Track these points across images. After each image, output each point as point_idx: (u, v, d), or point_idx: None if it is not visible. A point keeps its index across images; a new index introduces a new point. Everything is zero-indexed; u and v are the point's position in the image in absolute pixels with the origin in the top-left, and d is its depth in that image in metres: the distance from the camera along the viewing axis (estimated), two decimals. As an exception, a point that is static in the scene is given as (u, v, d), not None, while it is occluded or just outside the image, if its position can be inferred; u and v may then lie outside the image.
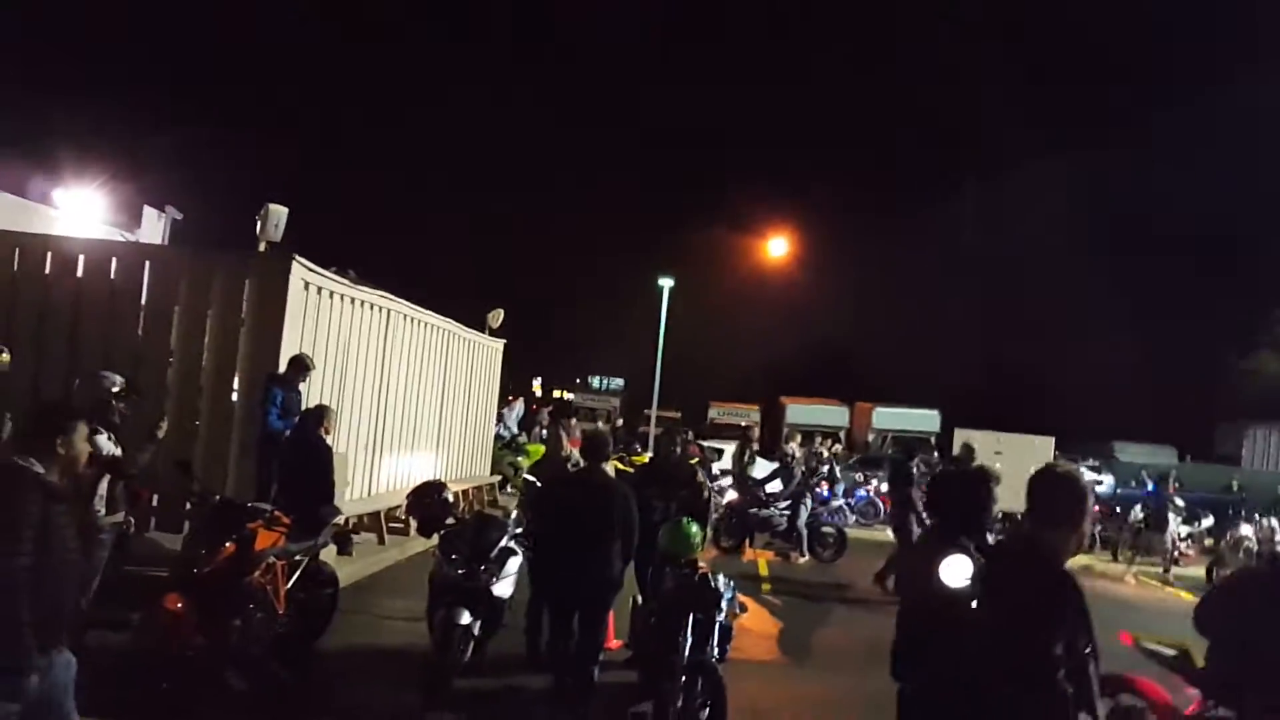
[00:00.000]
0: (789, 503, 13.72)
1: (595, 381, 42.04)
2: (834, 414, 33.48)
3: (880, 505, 18.59)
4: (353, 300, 10.68)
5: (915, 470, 12.21)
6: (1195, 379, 30.33)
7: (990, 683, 3.15)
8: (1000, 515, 12.12)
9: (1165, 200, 35.69)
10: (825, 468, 15.90)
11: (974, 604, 3.59)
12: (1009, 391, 38.25)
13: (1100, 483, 21.26)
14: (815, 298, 42.38)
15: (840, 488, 17.13)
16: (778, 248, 31.44)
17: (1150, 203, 37.57)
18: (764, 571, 12.55)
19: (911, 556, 4.30)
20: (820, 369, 41.63)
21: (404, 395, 12.42)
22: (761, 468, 14.30)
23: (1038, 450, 16.86)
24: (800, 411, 32.17)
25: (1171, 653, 5.31)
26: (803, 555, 13.49)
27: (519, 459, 17.72)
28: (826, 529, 14.08)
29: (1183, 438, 30.91)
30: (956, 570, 3.90)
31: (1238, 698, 4.99)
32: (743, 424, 32.73)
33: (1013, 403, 35.29)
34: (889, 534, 13.80)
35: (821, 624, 10.04)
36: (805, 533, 13.58)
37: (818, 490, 14.11)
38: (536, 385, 42.13)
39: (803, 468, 14.01)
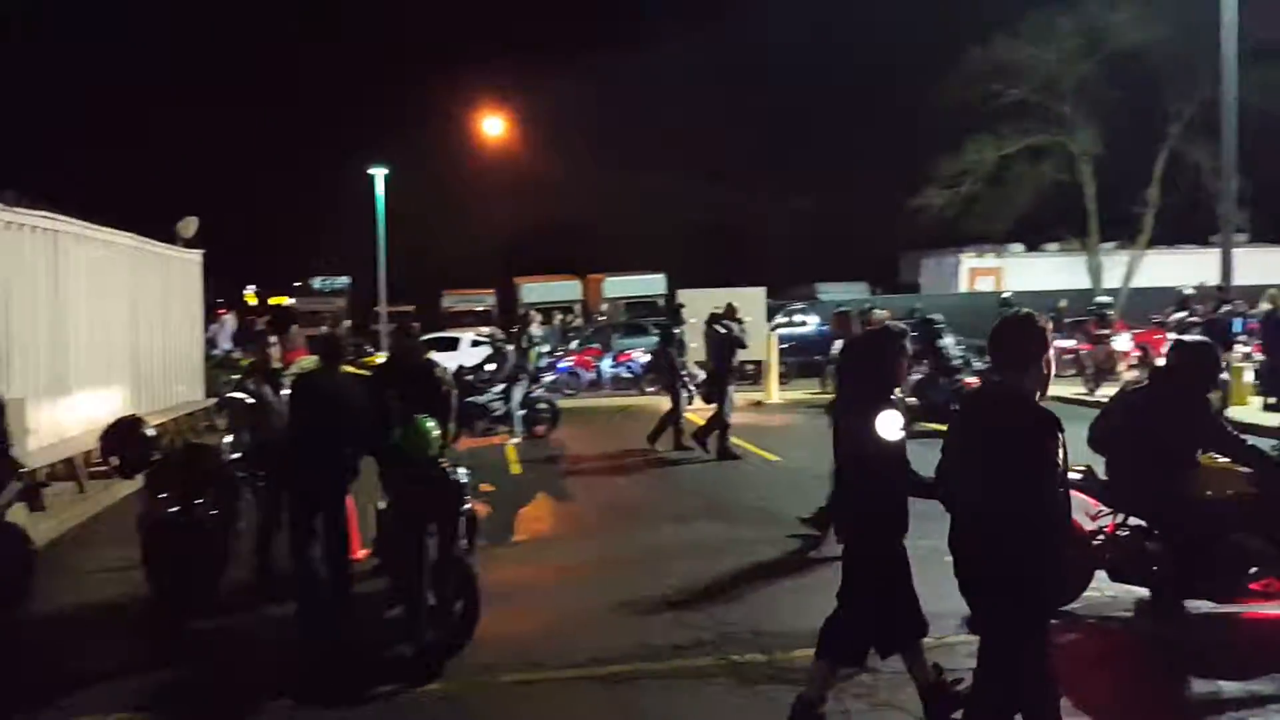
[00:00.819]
0: (504, 386, 13.86)
1: (317, 283, 39.61)
2: (567, 289, 33.86)
3: (582, 374, 20.51)
4: (8, 225, 9.25)
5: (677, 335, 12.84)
6: (878, 218, 33.43)
7: (987, 519, 3.32)
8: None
9: (838, 55, 38.20)
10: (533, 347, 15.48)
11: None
12: (726, 250, 40.79)
13: (806, 324, 23.11)
14: (537, 173, 42.10)
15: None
16: (492, 126, 30.77)
17: (819, 57, 40.09)
18: (511, 455, 12.69)
19: (845, 416, 4.48)
20: (551, 244, 41.83)
21: (87, 325, 11.05)
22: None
23: (749, 301, 17.86)
24: (534, 290, 32.25)
25: (1077, 475, 5.52)
26: (514, 436, 13.68)
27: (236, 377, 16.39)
28: (541, 405, 14.21)
29: (872, 272, 34.59)
30: (891, 424, 4.11)
31: (1142, 505, 5.55)
32: (478, 309, 32.63)
33: (730, 259, 37.75)
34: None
35: (566, 496, 10.34)
36: (518, 414, 13.74)
37: (532, 369, 14.15)
38: (250, 294, 38.88)
39: (516, 349, 14.00)
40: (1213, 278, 15.23)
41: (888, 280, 35.73)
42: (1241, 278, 18.65)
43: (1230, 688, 4.89)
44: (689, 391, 12.77)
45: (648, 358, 18.94)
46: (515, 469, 11.78)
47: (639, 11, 52.66)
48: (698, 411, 12.95)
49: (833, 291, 28.65)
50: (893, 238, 34.29)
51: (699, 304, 14.40)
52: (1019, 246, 31.91)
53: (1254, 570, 5.41)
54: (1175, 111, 24.55)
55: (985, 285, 29.21)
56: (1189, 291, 15.24)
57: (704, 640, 5.56)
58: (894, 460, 4.18)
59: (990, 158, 25.68)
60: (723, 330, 11.84)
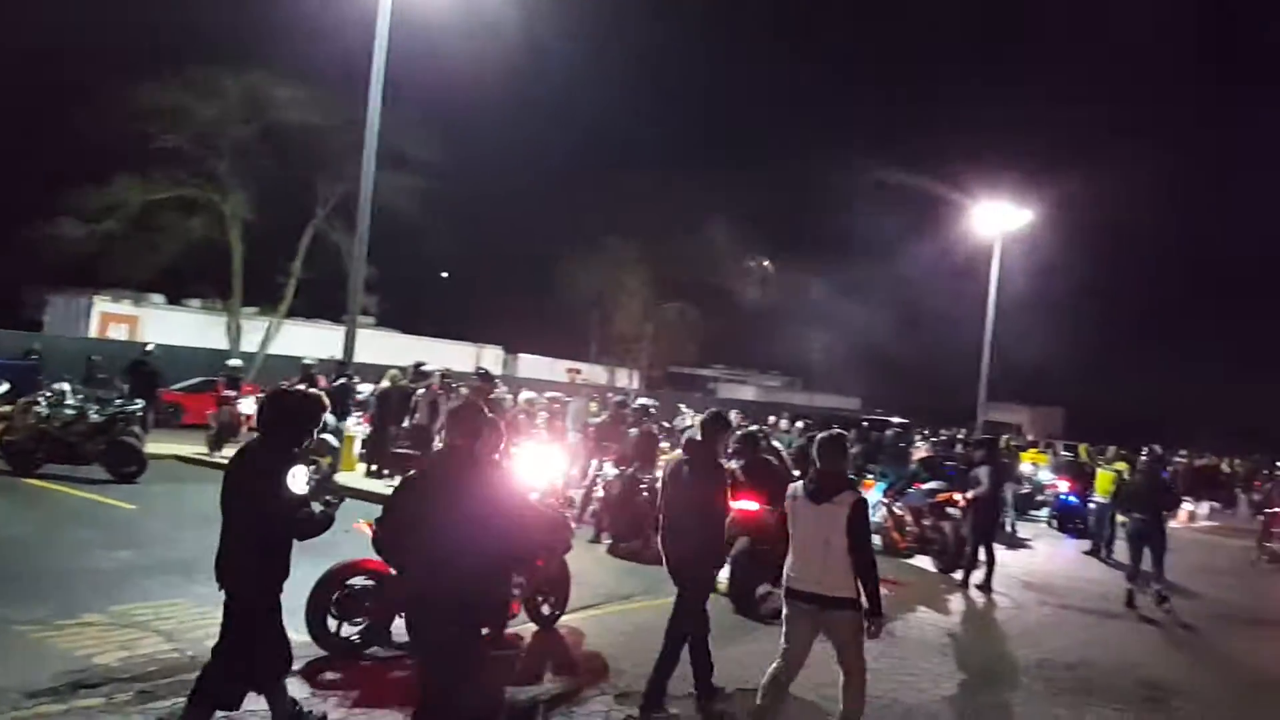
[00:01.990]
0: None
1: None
2: None
3: None
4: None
5: None
6: None
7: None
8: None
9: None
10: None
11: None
12: None
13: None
14: None
15: None
16: None
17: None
18: None
19: (241, 466, 4.60)
20: None
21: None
22: None
23: None
24: None
25: None
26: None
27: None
28: None
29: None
30: (300, 479, 4.42)
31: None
32: None
33: None
34: None
35: None
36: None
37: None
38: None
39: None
40: (339, 352, 16.45)
41: (7, 315, 30.59)
42: (367, 356, 20.77)
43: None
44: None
45: None
46: None
47: None
48: None
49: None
50: (14, 266, 29.58)
51: None
52: (159, 297, 30.59)
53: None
54: (324, 194, 26.51)
55: (119, 333, 27.10)
56: (309, 362, 16.15)
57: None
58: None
59: (136, 199, 24.06)
60: None
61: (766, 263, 38.31)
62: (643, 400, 16.06)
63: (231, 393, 16.41)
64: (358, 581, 6.32)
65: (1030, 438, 34.93)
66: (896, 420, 27.60)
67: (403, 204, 26.51)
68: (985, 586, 11.05)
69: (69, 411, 12.63)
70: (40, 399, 12.68)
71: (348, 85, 19.64)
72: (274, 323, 27.88)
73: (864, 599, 5.09)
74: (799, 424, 16.76)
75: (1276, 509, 16.75)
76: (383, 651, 6.35)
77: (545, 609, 7.40)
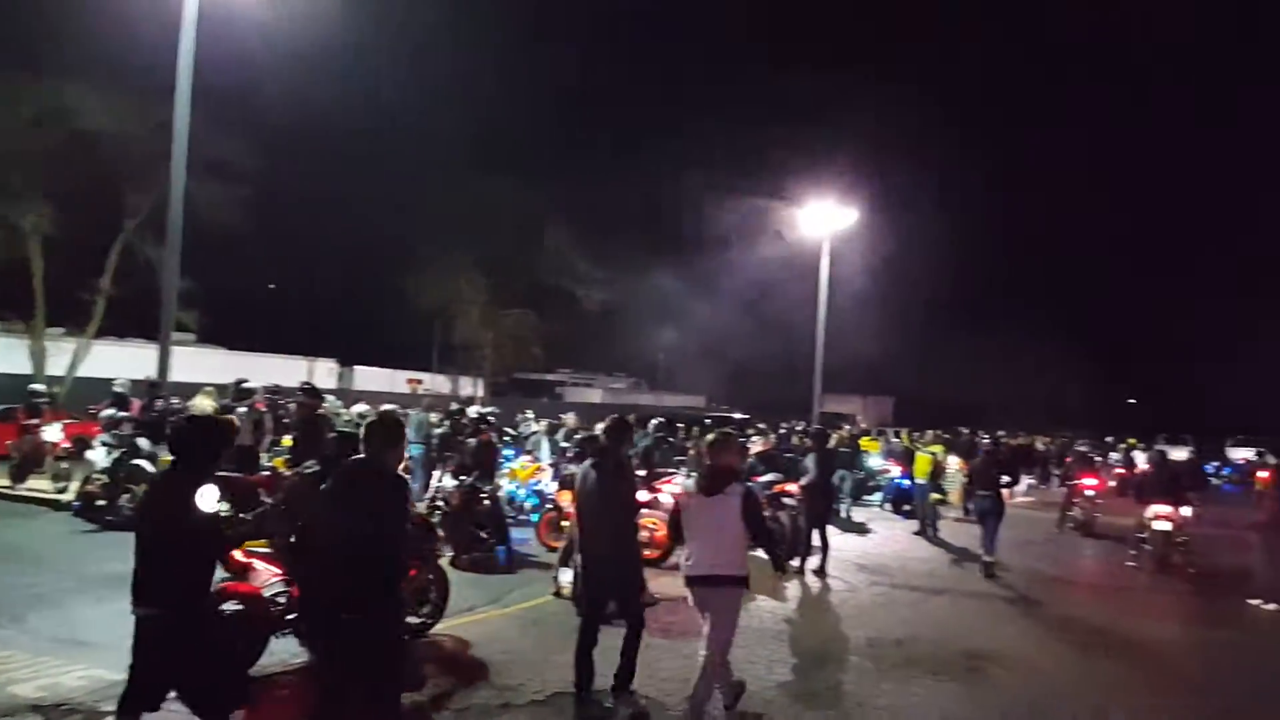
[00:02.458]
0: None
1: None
2: None
3: None
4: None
5: None
6: None
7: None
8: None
9: None
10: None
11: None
12: None
13: None
14: None
15: None
16: None
17: None
18: None
19: (156, 490, 4.82)
20: None
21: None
22: None
23: None
24: None
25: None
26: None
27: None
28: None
29: None
30: (210, 498, 4.49)
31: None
32: None
33: None
34: None
35: None
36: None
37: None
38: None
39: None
40: (155, 372, 15.45)
41: None
42: (187, 375, 19.61)
43: None
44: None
45: None
46: None
47: None
48: None
49: None
50: None
51: None
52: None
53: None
54: (133, 205, 24.81)
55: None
56: (120, 385, 15.15)
57: None
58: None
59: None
60: None
61: (603, 267, 38.59)
62: (478, 409, 15.91)
63: (34, 420, 15.18)
64: (228, 607, 6.30)
65: (864, 425, 36.65)
66: (737, 416, 28.39)
67: (222, 215, 25.19)
68: (820, 571, 11.55)
69: None
70: None
71: (155, 91, 18.42)
72: (82, 343, 25.91)
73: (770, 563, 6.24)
74: (652, 423, 16.94)
75: (1075, 481, 18.29)
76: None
77: (415, 619, 7.33)
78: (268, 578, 6.70)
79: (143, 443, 13.04)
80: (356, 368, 42.82)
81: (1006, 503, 12.49)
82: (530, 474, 14.45)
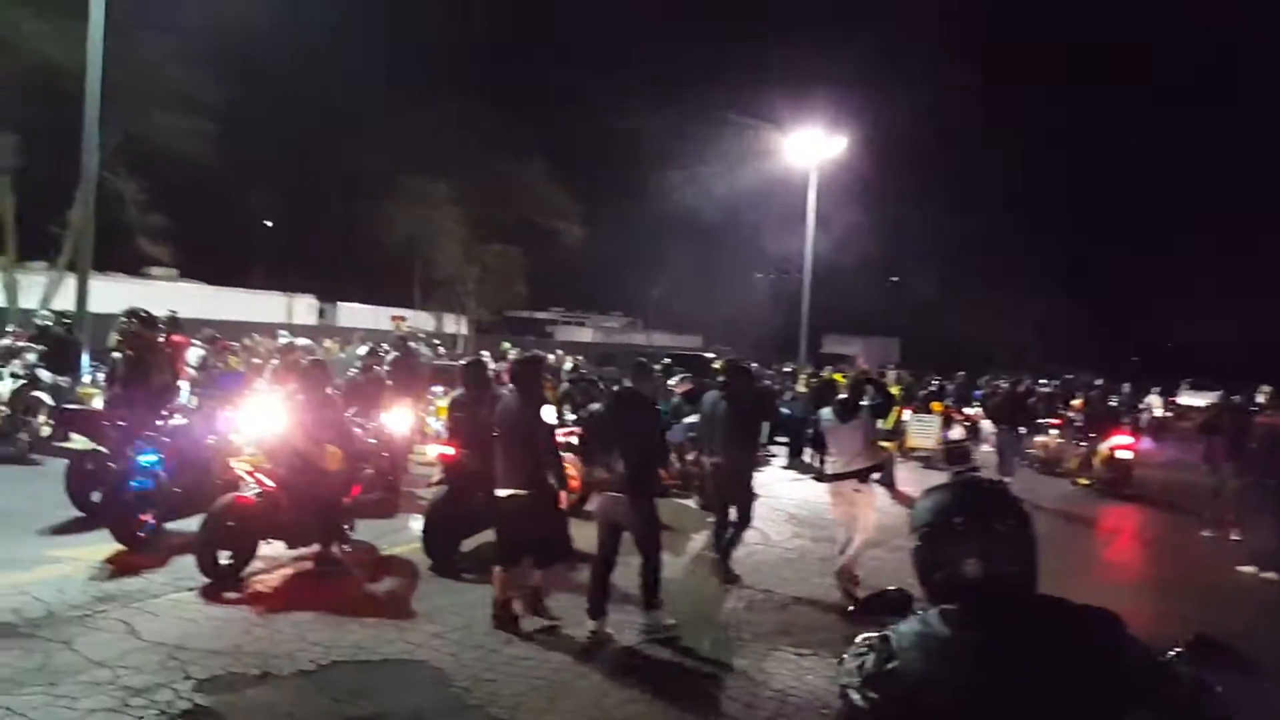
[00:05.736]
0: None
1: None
2: None
3: None
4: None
5: None
6: None
7: None
8: None
9: None
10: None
11: None
12: None
13: None
14: None
15: None
16: None
17: None
18: None
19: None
20: None
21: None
22: None
23: None
24: None
25: None
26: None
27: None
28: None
29: None
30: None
31: None
32: None
33: None
34: None
35: None
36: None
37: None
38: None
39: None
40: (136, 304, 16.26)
41: None
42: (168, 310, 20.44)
43: None
44: None
45: None
46: None
47: None
48: None
49: None
50: None
51: None
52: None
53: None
54: (102, 139, 25.54)
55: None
56: (39, 319, 15.66)
57: None
58: None
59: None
60: None
61: (586, 201, 39.11)
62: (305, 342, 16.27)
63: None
64: (232, 517, 7.71)
65: (863, 367, 37.03)
66: (709, 356, 29.10)
67: (194, 148, 26.07)
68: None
69: None
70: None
71: (114, 22, 18.98)
72: (53, 276, 26.97)
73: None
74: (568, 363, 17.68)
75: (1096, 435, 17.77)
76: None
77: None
78: None
79: (44, 375, 13.45)
80: (340, 304, 43.84)
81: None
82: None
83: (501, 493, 7.06)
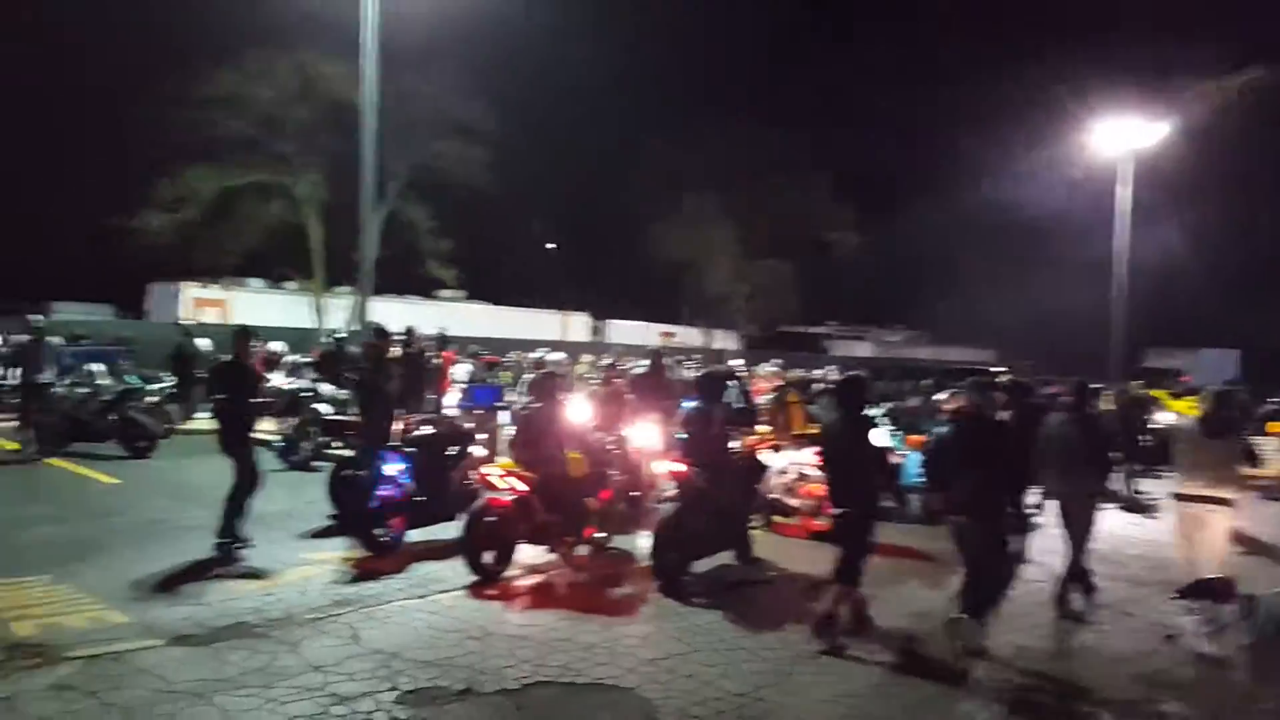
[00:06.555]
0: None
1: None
2: None
3: None
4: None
5: None
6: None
7: None
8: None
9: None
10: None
11: None
12: None
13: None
14: None
15: None
16: None
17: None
18: None
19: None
20: None
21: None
22: None
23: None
24: None
25: None
26: None
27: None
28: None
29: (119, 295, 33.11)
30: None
31: None
32: None
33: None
34: None
35: None
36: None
37: None
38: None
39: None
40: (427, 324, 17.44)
41: (137, 305, 33.97)
42: (459, 329, 21.97)
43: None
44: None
45: None
46: None
47: None
48: None
49: (70, 312, 27.34)
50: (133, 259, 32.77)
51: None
52: (259, 281, 33.12)
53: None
54: (392, 170, 27.98)
55: (210, 316, 29.60)
56: (335, 336, 17.27)
57: None
58: None
59: (211, 188, 26.12)
60: None
61: (862, 211, 37.78)
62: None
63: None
64: (490, 519, 8.12)
65: (1186, 381, 33.16)
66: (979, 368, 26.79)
67: (474, 175, 27.91)
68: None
69: (83, 390, 13.92)
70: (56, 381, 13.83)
71: (393, 62, 20.56)
72: (357, 300, 29.67)
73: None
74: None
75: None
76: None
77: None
78: None
79: (324, 388, 14.78)
80: (611, 321, 45.26)
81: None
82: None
83: (833, 512, 7.19)
